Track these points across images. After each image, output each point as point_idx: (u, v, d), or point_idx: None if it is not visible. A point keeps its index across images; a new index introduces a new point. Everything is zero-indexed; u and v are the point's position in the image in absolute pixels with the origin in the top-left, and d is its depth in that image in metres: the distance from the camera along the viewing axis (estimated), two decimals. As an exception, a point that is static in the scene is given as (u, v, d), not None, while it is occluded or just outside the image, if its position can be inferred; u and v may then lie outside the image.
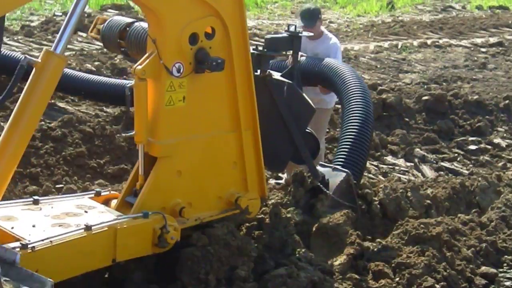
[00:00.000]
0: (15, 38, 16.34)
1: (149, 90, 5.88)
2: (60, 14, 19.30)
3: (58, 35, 5.69)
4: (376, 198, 7.72)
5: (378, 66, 17.38)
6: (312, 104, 7.29)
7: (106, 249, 5.66)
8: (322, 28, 9.38)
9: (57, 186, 8.87)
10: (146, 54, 5.88)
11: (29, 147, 8.54)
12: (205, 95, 6.15)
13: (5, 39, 15.98)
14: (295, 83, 7.21)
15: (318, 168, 7.48)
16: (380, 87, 13.90)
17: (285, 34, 7.25)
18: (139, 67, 5.79)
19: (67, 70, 11.22)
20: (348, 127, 7.83)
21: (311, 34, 8.45)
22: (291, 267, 6.33)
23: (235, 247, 6.25)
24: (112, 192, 6.60)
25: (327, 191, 7.19)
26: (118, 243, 5.68)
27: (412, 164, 11.34)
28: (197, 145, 6.21)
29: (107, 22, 6.39)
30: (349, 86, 8.18)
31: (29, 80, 5.47)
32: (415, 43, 19.99)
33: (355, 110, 7.92)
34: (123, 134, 6.96)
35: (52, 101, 11.12)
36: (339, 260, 6.71)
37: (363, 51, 18.67)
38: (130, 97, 5.90)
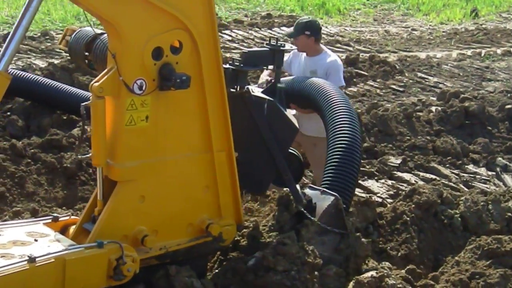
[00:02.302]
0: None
1: (107, 108, 5.32)
2: None
3: (1, 51, 5.09)
4: (457, 211, 7.53)
5: (461, 74, 16.95)
6: (296, 124, 6.69)
7: (52, 283, 5.04)
8: (323, 46, 8.89)
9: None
10: (105, 70, 5.30)
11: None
12: (172, 114, 5.53)
13: None
14: (277, 100, 6.58)
15: (307, 190, 6.70)
16: (462, 95, 13.50)
17: (265, 48, 6.67)
18: (96, 84, 5.21)
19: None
20: (335, 149, 7.01)
21: (294, 48, 8.18)
22: None
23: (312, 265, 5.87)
24: (72, 217, 5.96)
25: (311, 217, 6.40)
26: (67, 276, 5.07)
27: (494, 173, 11.03)
28: (163, 168, 5.59)
29: (75, 33, 5.65)
30: (334, 105, 7.33)
31: None
32: (499, 51, 19.68)
33: (342, 131, 7.10)
34: (79, 156, 6.36)
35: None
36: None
37: (445, 58, 18.21)
38: (86, 116, 5.37)
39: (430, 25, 22.61)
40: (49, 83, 10.97)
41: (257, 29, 19.51)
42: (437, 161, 11.06)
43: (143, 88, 5.29)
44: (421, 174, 10.62)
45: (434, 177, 10.49)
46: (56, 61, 14.01)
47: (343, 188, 6.70)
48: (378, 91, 14.94)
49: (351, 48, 18.37)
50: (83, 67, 5.46)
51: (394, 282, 6.10)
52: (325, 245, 6.35)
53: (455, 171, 10.83)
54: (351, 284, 6.05)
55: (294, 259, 5.95)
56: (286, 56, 8.70)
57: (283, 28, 19.85)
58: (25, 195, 8.49)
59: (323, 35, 19.38)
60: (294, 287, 5.71)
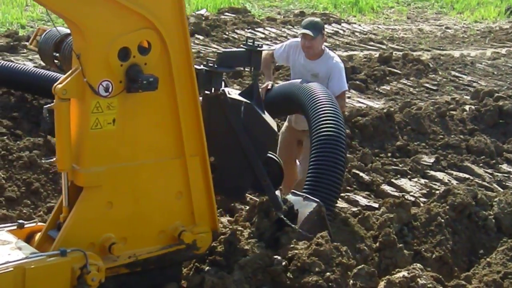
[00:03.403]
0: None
1: (72, 111, 5.09)
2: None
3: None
4: (491, 212, 7.42)
5: (495, 72, 16.74)
6: (274, 127, 6.44)
7: None
8: (324, 46, 8.36)
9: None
10: (70, 71, 5.08)
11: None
12: (141, 117, 5.31)
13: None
14: (255, 103, 6.30)
15: (289, 196, 6.50)
16: (496, 94, 13.32)
17: (241, 49, 6.41)
18: (60, 85, 4.98)
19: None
20: (319, 152, 6.83)
21: (273, 48, 7.79)
22: None
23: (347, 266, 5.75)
24: (39, 224, 5.70)
25: (292, 225, 6.18)
26: (27, 286, 4.83)
27: (528, 173, 10.93)
28: (133, 173, 5.35)
29: (45, 33, 5.45)
30: (319, 105, 7.17)
31: None
32: (534, 50, 19.20)
33: (326, 133, 6.92)
34: (44, 161, 6.13)
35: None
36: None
37: (479, 57, 18.02)
38: (50, 119, 5.15)
39: (464, 24, 22.43)
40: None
41: (290, 27, 19.42)
42: (471, 160, 10.95)
43: (110, 90, 5.06)
44: (454, 173, 10.53)
45: (467, 176, 10.40)
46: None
47: (327, 194, 6.53)
48: (411, 89, 14.82)
49: (384, 46, 18.25)
50: (53, 68, 5.27)
51: (425, 282, 6.02)
52: None
53: (489, 171, 10.71)
54: (382, 283, 5.98)
55: (329, 260, 5.89)
56: (280, 47, 8.55)
57: (316, 26, 19.73)
58: (59, 191, 8.49)
59: (358, 34, 19.46)
60: None
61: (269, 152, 6.54)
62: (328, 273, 5.69)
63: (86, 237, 5.19)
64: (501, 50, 18.99)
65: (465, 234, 7.38)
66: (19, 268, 4.80)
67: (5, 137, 9.12)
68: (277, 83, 9.11)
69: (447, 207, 7.39)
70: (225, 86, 6.22)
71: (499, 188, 9.84)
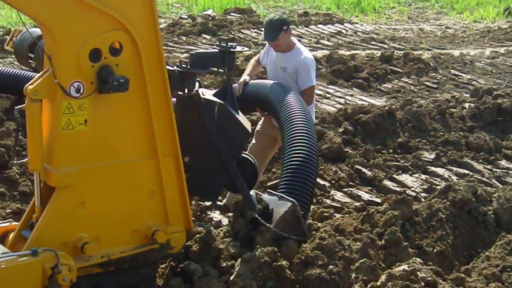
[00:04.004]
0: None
1: (44, 112, 4.99)
2: (186, 17, 19.26)
3: None
4: (490, 208, 7.41)
5: (494, 71, 16.67)
6: (248, 128, 6.33)
7: None
8: (295, 40, 8.25)
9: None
10: (41, 72, 4.96)
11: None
12: (113, 117, 5.17)
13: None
14: (228, 104, 6.20)
15: (264, 196, 6.40)
16: (495, 92, 13.19)
17: (215, 50, 6.28)
18: (31, 86, 4.87)
19: None
20: (292, 154, 6.77)
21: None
22: None
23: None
24: (13, 223, 5.56)
25: (266, 224, 6.10)
26: None
27: (526, 169, 10.84)
28: (105, 173, 5.22)
29: (20, 34, 5.55)
30: (290, 109, 7.15)
31: None
32: (532, 49, 19.13)
33: (298, 135, 6.89)
34: (15, 161, 5.97)
35: None
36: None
37: (479, 56, 17.96)
38: (21, 120, 5.01)
39: (463, 23, 22.38)
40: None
41: (294, 26, 19.36)
42: (470, 157, 10.90)
43: (81, 91, 4.94)
44: (454, 169, 10.49)
45: (467, 172, 10.35)
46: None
47: (300, 193, 6.45)
48: (412, 87, 14.78)
49: (385, 46, 18.20)
50: (28, 68, 5.12)
51: (425, 275, 6.03)
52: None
53: (488, 167, 10.65)
54: (383, 276, 5.96)
55: (331, 254, 5.85)
56: (262, 52, 8.48)
57: (319, 25, 19.74)
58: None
59: (360, 34, 19.42)
60: (333, 281, 5.58)
61: (244, 152, 6.45)
62: (331, 266, 5.67)
63: (58, 237, 5.07)
64: (500, 49, 18.91)
65: (465, 229, 7.37)
66: None
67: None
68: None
69: (448, 203, 7.38)
70: (200, 86, 6.09)
71: (498, 184, 9.81)
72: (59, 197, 5.07)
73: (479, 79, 15.77)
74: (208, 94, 6.19)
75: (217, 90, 6.43)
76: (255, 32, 18.24)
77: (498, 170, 10.57)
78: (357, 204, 9.07)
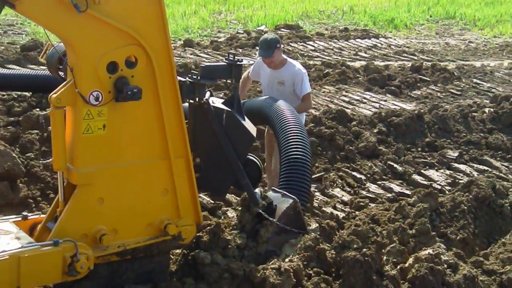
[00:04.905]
0: (205, 51, 16.37)
1: (67, 117, 4.92)
2: (242, 32, 19.28)
3: None
4: (507, 201, 7.32)
5: (511, 80, 16.29)
6: (253, 132, 6.13)
7: (7, 277, 4.63)
8: (285, 56, 8.15)
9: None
10: (64, 82, 4.89)
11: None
12: (129, 123, 5.06)
13: (196, 52, 16.09)
14: (235, 111, 6.00)
15: (269, 193, 6.31)
16: (512, 99, 12.97)
17: (223, 62, 6.08)
18: (54, 95, 4.81)
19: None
20: (289, 156, 6.64)
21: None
22: None
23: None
24: (42, 216, 5.45)
25: (270, 218, 5.97)
26: (22, 272, 4.65)
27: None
28: (122, 173, 5.12)
29: (51, 48, 5.19)
30: (285, 119, 7.02)
31: None
32: (545, 60, 18.76)
33: (293, 139, 6.77)
34: (41, 161, 5.84)
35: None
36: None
37: (498, 67, 17.66)
38: (45, 125, 4.90)
39: (484, 38, 22.02)
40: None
41: (335, 40, 19.27)
42: (489, 155, 10.76)
43: (99, 99, 4.85)
44: (475, 165, 10.35)
45: (486, 168, 10.21)
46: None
47: (301, 192, 6.33)
48: (438, 94, 14.60)
49: (415, 57, 17.99)
50: (59, 78, 5.09)
51: (447, 258, 5.96)
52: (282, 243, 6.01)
53: (505, 164, 10.50)
54: (411, 259, 5.90)
55: (365, 239, 5.79)
56: (251, 69, 8.35)
57: (358, 40, 19.59)
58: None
59: (394, 47, 19.23)
60: (366, 262, 5.51)
61: (249, 154, 6.29)
62: (364, 249, 5.59)
63: (79, 229, 5.00)
64: (517, 61, 18.64)
65: (484, 219, 7.28)
66: (14, 256, 4.65)
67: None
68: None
69: (470, 196, 7.30)
70: (211, 95, 5.97)
71: (514, 179, 9.64)
72: (80, 193, 5.01)
73: (498, 87, 15.53)
74: (217, 102, 6.02)
75: (225, 99, 6.26)
76: (301, 45, 18.16)
77: (514, 167, 10.38)
78: (389, 195, 9.02)
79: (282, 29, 19.94)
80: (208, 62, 14.44)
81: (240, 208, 6.24)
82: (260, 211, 5.99)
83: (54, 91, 4.87)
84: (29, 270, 4.69)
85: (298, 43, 18.39)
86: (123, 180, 5.14)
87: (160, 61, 5.04)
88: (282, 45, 7.91)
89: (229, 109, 5.94)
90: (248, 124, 6.12)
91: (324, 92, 13.89)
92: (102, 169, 5.01)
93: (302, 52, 17.46)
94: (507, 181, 9.07)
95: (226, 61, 6.05)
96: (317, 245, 5.84)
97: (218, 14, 22.89)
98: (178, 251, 5.81)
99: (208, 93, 5.89)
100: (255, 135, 6.20)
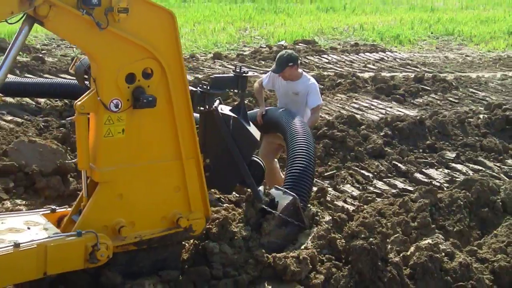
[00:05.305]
0: (232, 63, 16.40)
1: (90, 122, 4.88)
2: (265, 46, 19.27)
3: None
4: (498, 197, 7.30)
5: (503, 90, 16.28)
6: (257, 137, 6.04)
7: (35, 263, 4.61)
8: (301, 70, 7.97)
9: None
10: (88, 91, 4.88)
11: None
12: (145, 127, 5.00)
13: (224, 63, 16.11)
14: (241, 117, 5.90)
15: (272, 190, 6.19)
16: (504, 106, 12.85)
17: (231, 74, 6.00)
18: (79, 103, 4.78)
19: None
20: (296, 158, 6.57)
21: (256, 74, 7.44)
22: None
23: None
24: (68, 209, 5.42)
25: (273, 211, 5.89)
26: (48, 259, 4.62)
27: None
28: (139, 172, 5.05)
29: (79, 61, 5.13)
30: (293, 128, 6.97)
31: None
32: (535, 72, 18.58)
33: (300, 145, 6.71)
34: (67, 161, 5.78)
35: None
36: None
37: (491, 78, 17.50)
38: (71, 129, 4.99)
39: (480, 52, 21.82)
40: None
41: (347, 54, 19.21)
42: (483, 156, 10.64)
43: (119, 106, 4.81)
44: (471, 165, 10.25)
45: (481, 168, 10.11)
46: (200, 76, 14.09)
47: (300, 190, 6.23)
48: (438, 102, 14.49)
49: (418, 69, 17.88)
50: (84, 88, 5.10)
51: (445, 247, 5.93)
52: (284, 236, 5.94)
53: (497, 164, 10.39)
54: (412, 248, 5.87)
55: (372, 229, 5.76)
56: (266, 77, 8.20)
57: (367, 53, 19.51)
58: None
59: (399, 60, 19.14)
60: (372, 250, 5.48)
61: (254, 155, 6.21)
62: (371, 239, 5.57)
63: (100, 221, 4.98)
64: (509, 73, 18.25)
65: (478, 213, 7.21)
66: (41, 245, 4.64)
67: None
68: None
69: (466, 193, 7.26)
70: (220, 103, 5.90)
71: (505, 178, 9.54)
72: (102, 190, 4.98)
73: (492, 96, 15.38)
74: (225, 109, 5.93)
75: (233, 106, 6.18)
76: (317, 58, 18.12)
77: (505, 167, 10.29)
78: (394, 191, 8.98)
79: (300, 44, 19.90)
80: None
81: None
82: (263, 206, 5.95)
83: (79, 99, 4.86)
84: (54, 257, 4.69)
85: (314, 56, 18.35)
86: (140, 178, 5.10)
87: (173, 73, 5.00)
88: (296, 64, 7.81)
89: (235, 116, 5.87)
90: (252, 129, 6.06)
91: (336, 99, 13.85)
92: (121, 168, 4.98)
93: (318, 64, 17.41)
94: (499, 180, 8.94)
95: (233, 73, 5.98)
96: (329, 234, 5.83)
97: (243, 30, 22.90)
98: (190, 241, 5.77)
99: (217, 101, 5.83)
100: (259, 139, 6.13)
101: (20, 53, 14.90)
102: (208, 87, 5.69)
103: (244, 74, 5.95)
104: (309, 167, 6.51)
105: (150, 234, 5.21)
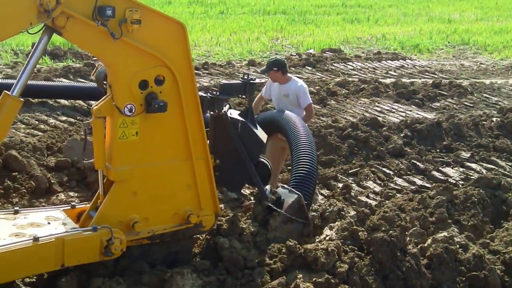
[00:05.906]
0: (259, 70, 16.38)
1: (106, 125, 4.87)
2: (295, 54, 19.19)
3: (16, 80, 4.56)
4: (510, 194, 7.24)
5: (515, 95, 15.99)
6: (264, 139, 5.95)
7: (53, 256, 4.59)
8: (290, 75, 7.86)
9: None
10: (104, 97, 4.85)
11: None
12: (158, 130, 4.96)
13: (257, 70, 16.09)
14: (249, 121, 5.83)
15: (279, 189, 6.13)
16: (516, 111, 12.63)
17: (239, 81, 5.91)
18: (96, 107, 4.78)
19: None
20: (300, 160, 6.47)
21: (262, 81, 7.16)
22: None
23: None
24: (87, 205, 5.40)
25: (278, 209, 5.81)
26: (66, 252, 4.62)
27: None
28: (152, 171, 5.02)
29: (100, 67, 5.11)
30: (296, 131, 6.83)
31: None
32: (545, 79, 18.20)
33: (303, 146, 6.60)
34: (84, 161, 5.77)
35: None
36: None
37: (504, 84, 17.16)
38: (88, 131, 4.97)
39: (493, 61, 21.44)
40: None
41: (370, 61, 19.04)
42: (496, 156, 10.48)
43: (133, 111, 4.79)
44: (484, 165, 10.10)
45: (493, 167, 9.96)
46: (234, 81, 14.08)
47: (306, 189, 6.15)
48: (454, 106, 14.30)
49: (436, 76, 17.66)
50: (104, 92, 5.09)
51: (460, 240, 5.88)
52: (289, 231, 5.85)
53: (509, 164, 10.21)
54: (429, 240, 5.81)
55: (391, 223, 5.70)
56: (264, 88, 8.12)
57: (389, 61, 19.33)
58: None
59: (418, 67, 18.91)
60: (392, 242, 5.43)
61: (261, 156, 6.13)
62: (391, 232, 5.51)
63: (116, 217, 4.95)
64: (521, 80, 18.13)
65: (491, 209, 7.12)
66: (59, 239, 4.63)
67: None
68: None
69: (480, 190, 7.16)
70: (229, 108, 5.85)
71: (517, 176, 9.39)
72: (117, 188, 4.95)
73: (504, 101, 15.11)
74: (234, 113, 5.86)
75: (241, 111, 6.12)
76: (342, 65, 17.99)
77: (516, 166, 10.13)
78: (413, 187, 8.89)
79: (327, 52, 19.78)
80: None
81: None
82: (270, 204, 5.89)
83: (95, 103, 4.84)
84: (71, 250, 4.67)
85: (340, 63, 18.24)
86: (153, 177, 5.06)
87: (184, 79, 4.95)
88: (281, 70, 7.69)
89: (243, 120, 5.83)
90: (259, 132, 6.00)
91: (360, 103, 13.74)
92: (135, 168, 4.95)
93: (343, 71, 17.30)
94: (510, 178, 8.83)
95: (241, 80, 5.90)
96: (352, 227, 5.78)
97: (275, 40, 22.83)
98: (202, 236, 5.72)
99: (227, 106, 5.79)
100: (265, 142, 6.08)
101: (74, 59, 15.12)
102: (217, 93, 5.63)
103: (251, 81, 5.87)
104: (313, 167, 6.43)
105: (162, 229, 5.16)
